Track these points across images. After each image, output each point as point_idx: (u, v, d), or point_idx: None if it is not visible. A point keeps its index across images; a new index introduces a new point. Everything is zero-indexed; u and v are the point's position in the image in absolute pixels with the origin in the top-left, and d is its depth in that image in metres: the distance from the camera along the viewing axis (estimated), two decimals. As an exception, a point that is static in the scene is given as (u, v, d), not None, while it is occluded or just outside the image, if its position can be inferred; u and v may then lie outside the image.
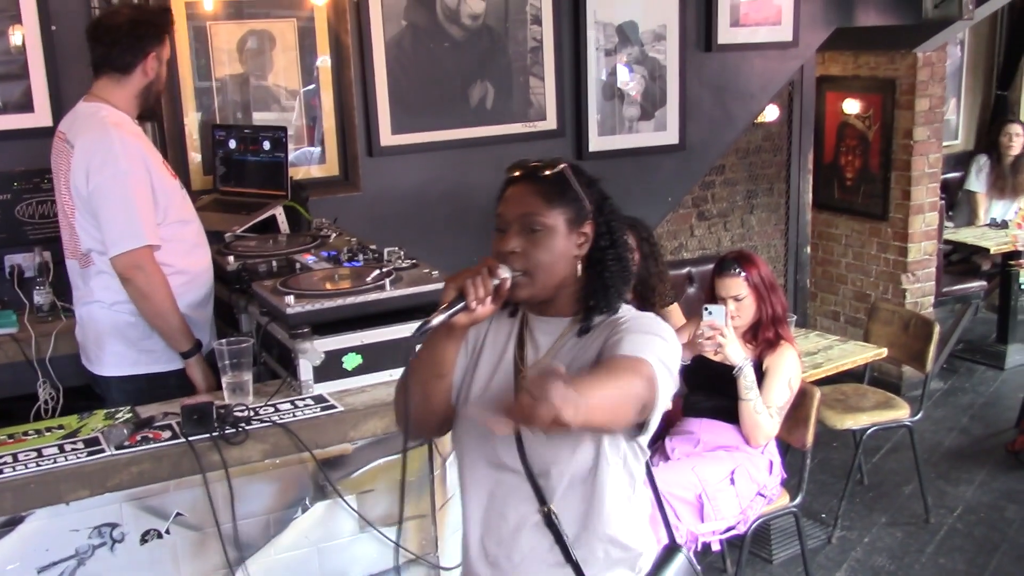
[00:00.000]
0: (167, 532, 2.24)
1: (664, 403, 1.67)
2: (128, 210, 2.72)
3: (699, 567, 2.02)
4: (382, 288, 2.59)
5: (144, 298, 2.76)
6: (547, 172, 1.78)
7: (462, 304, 1.67)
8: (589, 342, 1.79)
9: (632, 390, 1.57)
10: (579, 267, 1.79)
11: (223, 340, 2.49)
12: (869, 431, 4.29)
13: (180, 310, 2.82)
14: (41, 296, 3.32)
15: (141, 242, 2.72)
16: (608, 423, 1.60)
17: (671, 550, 1.96)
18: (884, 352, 4.21)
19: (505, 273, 1.72)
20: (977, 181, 6.73)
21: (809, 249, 5.89)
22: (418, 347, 1.81)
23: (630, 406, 1.58)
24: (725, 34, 4.83)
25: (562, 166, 1.80)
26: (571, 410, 1.40)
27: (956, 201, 6.90)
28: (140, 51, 2.84)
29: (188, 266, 2.92)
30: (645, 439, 1.80)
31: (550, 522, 1.78)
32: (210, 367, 2.83)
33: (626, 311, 1.82)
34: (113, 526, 2.19)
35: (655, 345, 1.69)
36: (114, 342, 2.89)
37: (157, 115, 3.16)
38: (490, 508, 1.84)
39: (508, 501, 1.81)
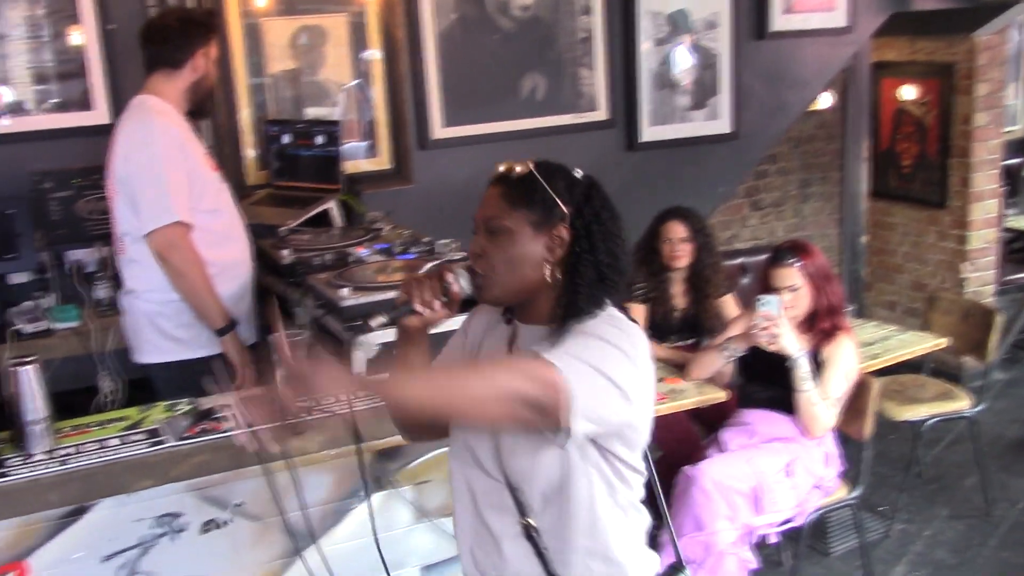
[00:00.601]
0: (227, 522, 2.27)
1: (593, 409, 1.59)
2: (160, 188, 2.83)
3: None
4: (436, 280, 2.59)
5: (180, 275, 2.86)
6: (514, 174, 1.73)
7: (407, 308, 1.73)
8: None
9: (500, 387, 1.54)
10: (548, 271, 1.71)
11: (279, 333, 2.51)
12: (929, 422, 4.21)
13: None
14: (101, 291, 3.39)
15: (172, 218, 2.82)
16: (457, 414, 1.66)
17: (673, 570, 1.90)
18: (944, 342, 4.12)
19: (456, 278, 1.74)
20: None
21: (865, 238, 5.80)
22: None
23: (495, 403, 1.54)
24: (778, 21, 4.77)
25: (528, 168, 1.73)
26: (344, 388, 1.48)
27: (1018, 187, 6.74)
28: (189, 49, 2.96)
29: (217, 258, 2.98)
30: (627, 453, 1.73)
31: (530, 535, 1.74)
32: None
33: (605, 316, 1.73)
34: (175, 516, 2.23)
35: (588, 349, 1.62)
36: (147, 331, 3.00)
37: (207, 112, 3.21)
38: (476, 516, 1.82)
39: (492, 511, 1.79)
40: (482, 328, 1.88)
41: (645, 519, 1.83)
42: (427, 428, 1.93)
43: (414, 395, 1.54)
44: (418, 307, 1.73)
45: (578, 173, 1.76)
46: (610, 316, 1.72)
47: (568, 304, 1.71)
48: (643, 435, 1.75)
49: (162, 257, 2.85)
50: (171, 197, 2.83)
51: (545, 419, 1.57)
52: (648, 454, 1.83)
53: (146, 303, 2.97)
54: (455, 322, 1.89)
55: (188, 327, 2.96)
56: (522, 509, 1.74)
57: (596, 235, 1.71)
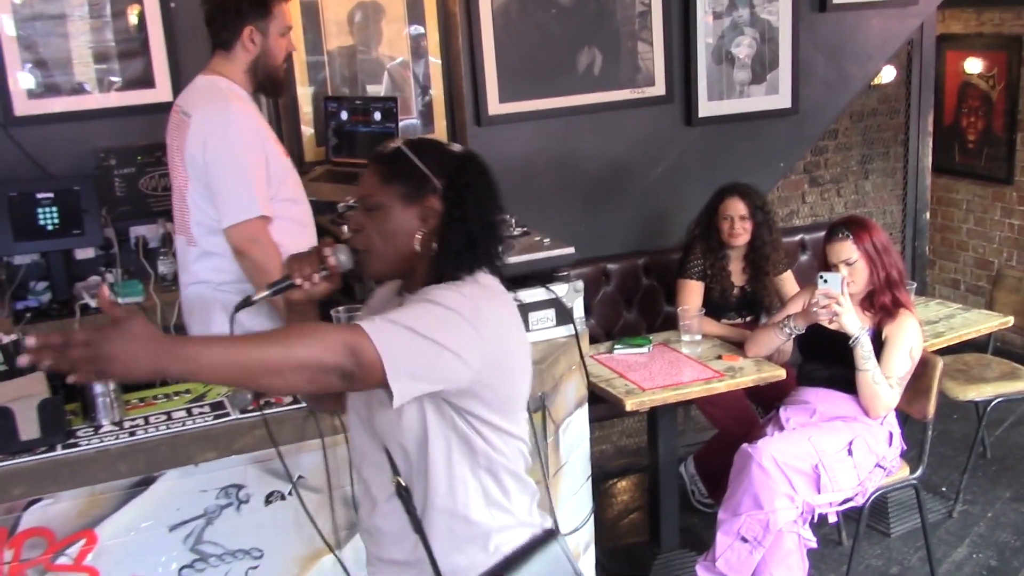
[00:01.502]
0: (290, 494, 2.30)
1: (414, 369, 1.61)
2: (244, 181, 2.76)
3: (573, 559, 1.92)
4: (494, 256, 2.59)
5: (259, 270, 2.77)
6: (385, 151, 1.82)
7: (288, 282, 1.83)
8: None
9: (297, 356, 1.52)
10: (419, 240, 1.78)
11: (339, 308, 2.53)
12: (993, 403, 4.13)
13: None
14: (165, 266, 3.44)
15: (255, 212, 2.75)
16: (257, 385, 1.69)
17: (546, 536, 1.89)
18: (1010, 320, 4.04)
19: (334, 253, 1.82)
20: None
21: (928, 215, 5.68)
22: None
23: (293, 372, 1.52)
24: (840, -8, 4.67)
25: (397, 144, 1.82)
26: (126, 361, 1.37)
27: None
28: (236, 27, 2.85)
29: (295, 247, 2.94)
30: (491, 415, 1.76)
31: (400, 494, 1.80)
32: None
33: (465, 282, 1.77)
34: (239, 487, 2.26)
35: (410, 313, 1.65)
36: (222, 321, 2.89)
37: (274, 91, 3.09)
38: (361, 477, 1.89)
39: (372, 469, 1.85)
40: (381, 303, 1.95)
41: (523, 484, 1.86)
42: (330, 398, 1.99)
43: (210, 364, 1.47)
44: (298, 281, 1.83)
45: (455, 147, 1.87)
46: (470, 282, 1.78)
47: (439, 270, 1.79)
48: (510, 398, 1.80)
49: (242, 251, 2.78)
50: (254, 190, 2.76)
51: (360, 383, 1.60)
52: (531, 418, 1.89)
53: (223, 294, 2.89)
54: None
55: (264, 319, 2.87)
56: (395, 468, 1.80)
57: (469, 204, 1.78)
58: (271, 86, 3.00)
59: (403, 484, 1.79)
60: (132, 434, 2.22)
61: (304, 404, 2.28)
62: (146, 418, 2.31)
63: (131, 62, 3.68)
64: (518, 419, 1.84)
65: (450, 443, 1.76)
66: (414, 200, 1.79)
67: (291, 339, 1.56)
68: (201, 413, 2.32)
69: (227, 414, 2.30)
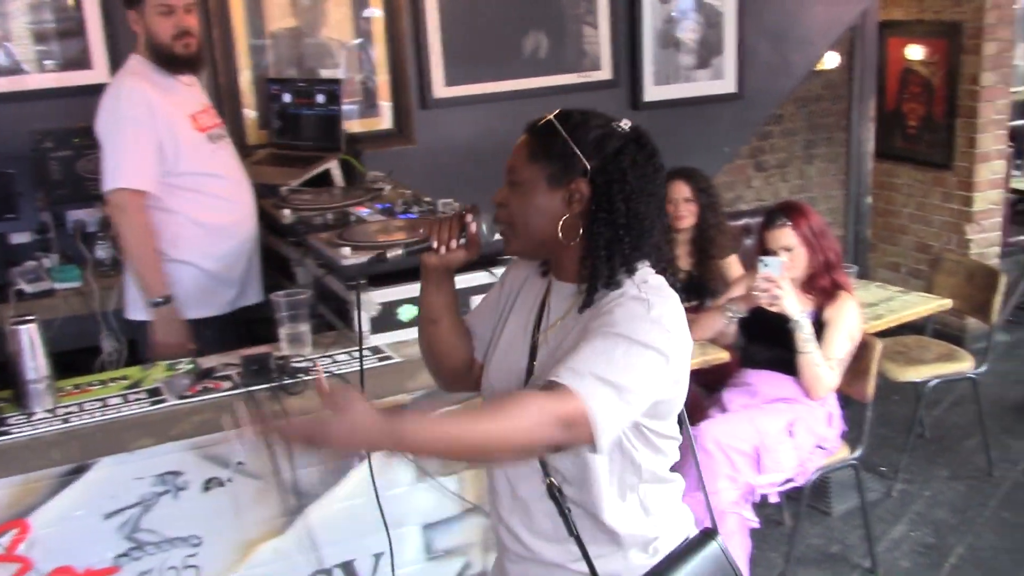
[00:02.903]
0: (229, 480, 2.28)
1: (618, 426, 1.54)
2: (117, 151, 2.86)
3: (732, 557, 1.84)
4: (437, 239, 2.58)
5: (123, 240, 2.93)
6: (538, 123, 1.67)
7: (424, 244, 1.73)
8: (581, 321, 1.66)
9: (525, 437, 1.47)
10: (562, 227, 1.64)
11: (280, 292, 2.51)
12: (931, 383, 4.21)
13: (159, 257, 2.93)
14: (103, 250, 3.38)
15: (119, 183, 2.84)
16: (486, 463, 1.62)
17: (705, 536, 1.83)
18: (948, 303, 4.11)
19: (477, 221, 1.73)
20: None
21: (870, 199, 5.76)
22: None
23: (523, 451, 1.52)
24: (785, -22, 4.71)
25: (548, 117, 1.66)
26: (363, 442, 1.42)
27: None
28: (127, 10, 3.00)
29: (206, 219, 2.99)
30: (657, 424, 1.67)
31: (553, 495, 1.69)
32: (257, 321, 2.98)
33: (629, 288, 1.63)
34: (176, 474, 2.24)
35: (611, 362, 1.53)
36: (135, 287, 2.99)
37: (173, 67, 3.01)
38: (505, 476, 1.77)
39: (520, 470, 1.74)
40: (520, 280, 1.83)
41: (676, 484, 1.80)
42: (462, 378, 1.90)
43: (428, 449, 1.50)
44: (435, 244, 1.72)
45: (623, 125, 1.66)
46: (639, 286, 1.63)
47: (588, 264, 1.64)
48: (675, 405, 1.71)
49: (112, 220, 2.93)
50: (124, 162, 2.85)
51: (574, 445, 1.55)
52: (684, 416, 1.80)
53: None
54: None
55: (181, 288, 2.96)
56: (545, 468, 1.70)
57: (616, 192, 1.62)
58: (169, 62, 3.01)
59: (556, 485, 1.69)
60: (66, 421, 2.19)
61: (241, 389, 2.26)
62: (80, 405, 2.27)
63: (68, 43, 3.61)
64: (675, 418, 1.74)
65: (612, 457, 1.66)
66: (560, 182, 1.63)
67: (504, 418, 1.47)
68: (137, 399, 2.29)
69: (164, 400, 2.27)
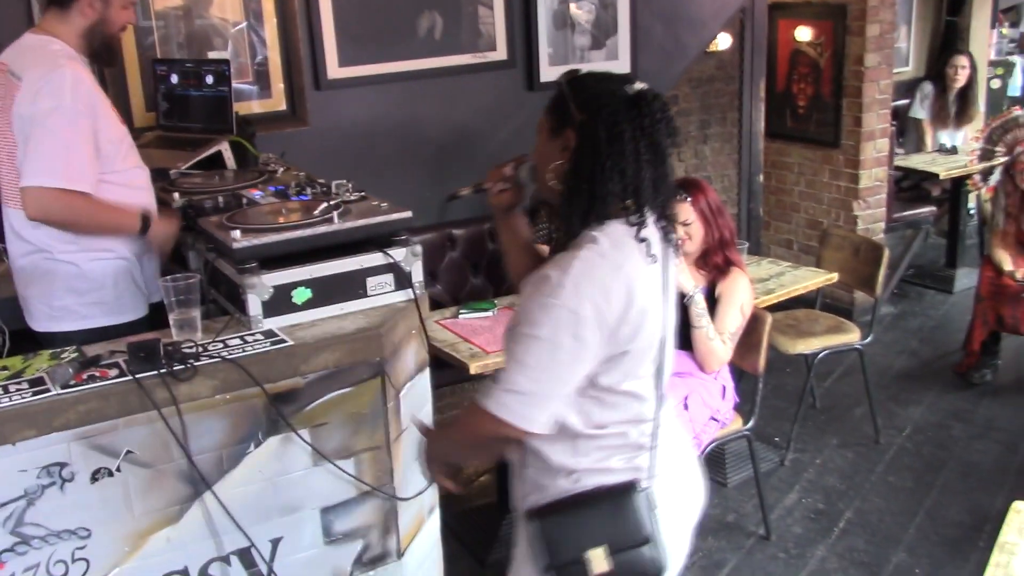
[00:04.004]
0: (118, 470, 2.22)
1: (548, 408, 1.83)
2: (56, 146, 2.61)
3: (647, 513, 1.98)
4: (330, 221, 2.56)
5: (73, 226, 2.71)
6: (556, 81, 1.92)
7: (481, 187, 2.11)
8: (541, 267, 1.88)
9: (466, 437, 1.98)
10: (552, 173, 1.89)
11: (168, 277, 2.45)
12: (820, 355, 4.35)
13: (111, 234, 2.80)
14: (-15, 240, 3.24)
15: (56, 183, 2.60)
16: (475, 458, 2.31)
17: (628, 485, 1.96)
18: (835, 277, 4.25)
19: (515, 168, 2.05)
20: (921, 109, 6.80)
21: (762, 178, 5.91)
22: None
23: (470, 443, 1.99)
24: (675, -40, 4.77)
25: (560, 75, 1.92)
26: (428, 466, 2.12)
27: (906, 127, 6.95)
28: None
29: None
30: (610, 380, 1.88)
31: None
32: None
33: (581, 238, 1.84)
34: (62, 465, 2.17)
35: (519, 359, 1.81)
36: (62, 295, 2.79)
37: (109, 60, 2.95)
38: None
39: None
40: None
41: (617, 435, 1.94)
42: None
43: (442, 451, 2.11)
44: (487, 185, 2.10)
45: (634, 87, 1.84)
46: (589, 238, 1.83)
47: (561, 212, 1.88)
48: (629, 361, 1.87)
49: (31, 217, 2.65)
50: (63, 160, 2.61)
51: (516, 441, 1.91)
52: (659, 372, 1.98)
53: (64, 264, 2.75)
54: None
55: (109, 289, 2.81)
56: None
57: (588, 147, 1.81)
58: (106, 55, 2.87)
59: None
60: (-58, 414, 2.10)
61: (128, 377, 2.21)
62: (-42, 397, 2.18)
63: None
64: (642, 370, 1.91)
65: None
66: (557, 132, 1.88)
67: (461, 434, 2.02)
68: (19, 390, 2.21)
69: (47, 390, 2.20)
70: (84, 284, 2.80)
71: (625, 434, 1.94)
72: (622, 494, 1.94)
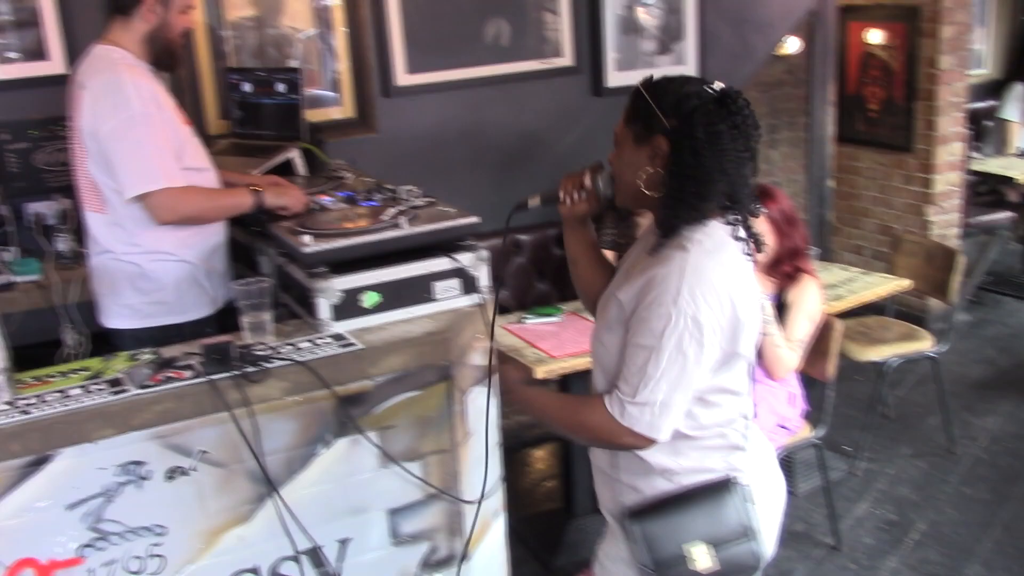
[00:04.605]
0: (192, 469, 2.27)
1: (671, 417, 1.91)
2: (142, 154, 2.70)
3: (750, 510, 2.05)
4: (398, 226, 2.59)
5: (195, 220, 2.83)
6: (633, 88, 1.93)
7: (554, 197, 2.10)
8: (642, 268, 1.93)
9: (574, 425, 2.03)
10: (644, 181, 1.90)
11: (241, 280, 2.51)
12: (892, 363, 4.27)
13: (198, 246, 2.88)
14: (63, 243, 3.35)
15: (157, 185, 2.71)
16: (552, 428, 2.20)
17: (727, 482, 2.03)
18: (908, 283, 4.17)
19: (592, 176, 2.04)
20: (1012, 109, 6.61)
21: (832, 183, 5.82)
22: None
23: (575, 432, 2.05)
24: (743, -36, 4.73)
25: (637, 82, 1.93)
26: (513, 397, 2.20)
27: (985, 130, 6.78)
28: None
29: None
30: (720, 379, 1.97)
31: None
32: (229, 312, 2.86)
33: (683, 239, 1.89)
34: (139, 464, 2.22)
35: (646, 374, 1.87)
36: (127, 294, 2.88)
37: (171, 66, 3.04)
38: None
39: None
40: (642, 248, 2.07)
41: (716, 432, 2.01)
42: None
43: (536, 414, 2.16)
44: (561, 195, 2.09)
45: (713, 88, 1.85)
46: (694, 237, 1.87)
47: (664, 214, 1.90)
48: (740, 353, 1.95)
49: (164, 221, 2.76)
50: (155, 163, 2.70)
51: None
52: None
53: (128, 264, 2.85)
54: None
55: (171, 290, 2.89)
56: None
57: (687, 150, 1.83)
58: (167, 60, 2.95)
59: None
60: (25, 413, 2.17)
61: (203, 379, 2.26)
62: (40, 396, 2.25)
63: (23, 33, 3.57)
64: (739, 367, 1.98)
65: None
66: (644, 140, 1.89)
67: (580, 417, 2.01)
68: (98, 390, 2.28)
69: (125, 390, 2.26)
70: (147, 284, 2.89)
71: (724, 435, 2.02)
72: (721, 491, 2.01)
